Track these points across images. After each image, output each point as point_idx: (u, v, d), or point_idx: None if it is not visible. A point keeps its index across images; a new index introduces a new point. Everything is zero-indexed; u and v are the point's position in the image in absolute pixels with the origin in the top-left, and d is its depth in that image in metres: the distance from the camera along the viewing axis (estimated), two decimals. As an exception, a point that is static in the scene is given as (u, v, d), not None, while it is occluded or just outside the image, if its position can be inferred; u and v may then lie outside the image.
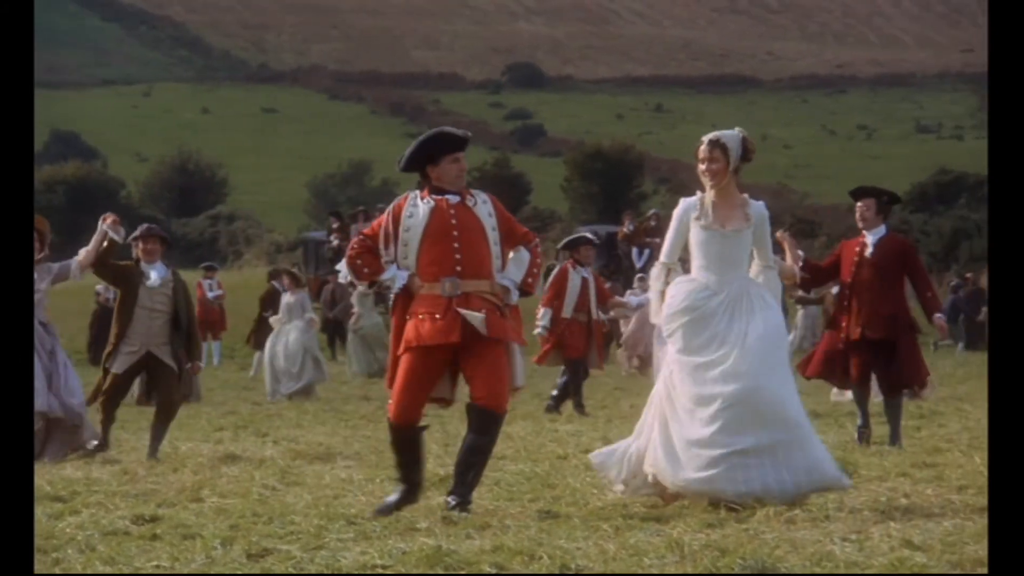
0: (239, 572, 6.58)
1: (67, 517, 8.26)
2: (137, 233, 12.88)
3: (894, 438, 12.09)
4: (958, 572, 6.30)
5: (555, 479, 9.71)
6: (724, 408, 8.28)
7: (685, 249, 8.81)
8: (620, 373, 23.57)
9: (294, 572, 6.50)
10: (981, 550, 6.60)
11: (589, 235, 18.59)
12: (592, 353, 17.07)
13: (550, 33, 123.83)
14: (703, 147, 8.65)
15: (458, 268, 8.32)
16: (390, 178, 71.71)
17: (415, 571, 6.41)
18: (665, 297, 8.70)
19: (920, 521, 7.52)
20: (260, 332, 24.44)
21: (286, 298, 22.13)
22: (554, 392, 17.07)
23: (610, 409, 17.39)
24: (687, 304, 8.55)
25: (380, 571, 6.47)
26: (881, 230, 12.39)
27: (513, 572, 6.41)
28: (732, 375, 8.33)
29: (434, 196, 8.43)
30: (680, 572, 6.35)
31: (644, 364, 21.61)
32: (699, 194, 8.72)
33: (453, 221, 8.37)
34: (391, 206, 8.54)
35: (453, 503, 8.20)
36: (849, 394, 14.11)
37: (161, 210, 63.55)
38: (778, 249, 10.26)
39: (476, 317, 8.18)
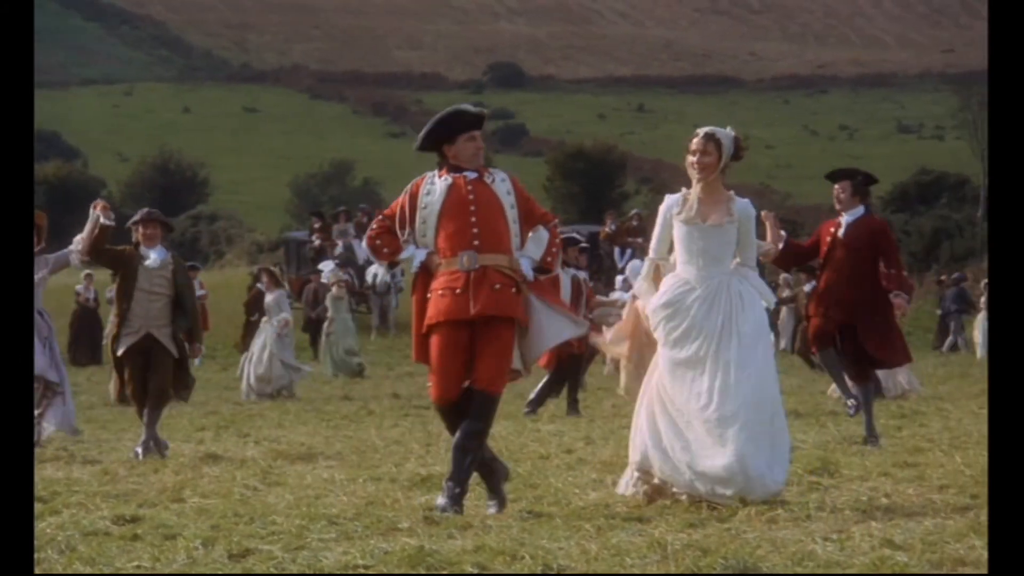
0: (220, 572, 6.56)
1: (47, 517, 8.23)
2: (137, 217, 12.89)
3: (868, 433, 11.97)
4: (939, 571, 6.30)
5: (537, 479, 9.72)
6: (706, 405, 8.33)
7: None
8: (602, 373, 23.57)
9: (275, 572, 6.49)
10: (962, 549, 6.63)
11: (577, 236, 18.56)
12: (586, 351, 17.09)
13: (532, 33, 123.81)
14: (698, 139, 8.63)
15: (476, 242, 8.29)
16: (372, 178, 71.67)
17: (397, 571, 6.40)
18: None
19: (901, 520, 7.53)
20: (249, 337, 24.41)
21: (267, 297, 22.17)
22: (531, 396, 17.06)
23: (592, 409, 17.40)
24: (667, 299, 8.64)
25: (362, 571, 6.46)
26: (858, 211, 12.22)
27: (495, 572, 6.41)
28: (712, 372, 8.39)
29: (452, 174, 8.40)
30: (662, 572, 6.36)
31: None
32: (684, 190, 8.74)
33: (471, 196, 8.33)
34: (409, 186, 8.50)
35: (446, 498, 8.19)
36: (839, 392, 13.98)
37: (142, 210, 63.22)
38: (760, 230, 10.24)
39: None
